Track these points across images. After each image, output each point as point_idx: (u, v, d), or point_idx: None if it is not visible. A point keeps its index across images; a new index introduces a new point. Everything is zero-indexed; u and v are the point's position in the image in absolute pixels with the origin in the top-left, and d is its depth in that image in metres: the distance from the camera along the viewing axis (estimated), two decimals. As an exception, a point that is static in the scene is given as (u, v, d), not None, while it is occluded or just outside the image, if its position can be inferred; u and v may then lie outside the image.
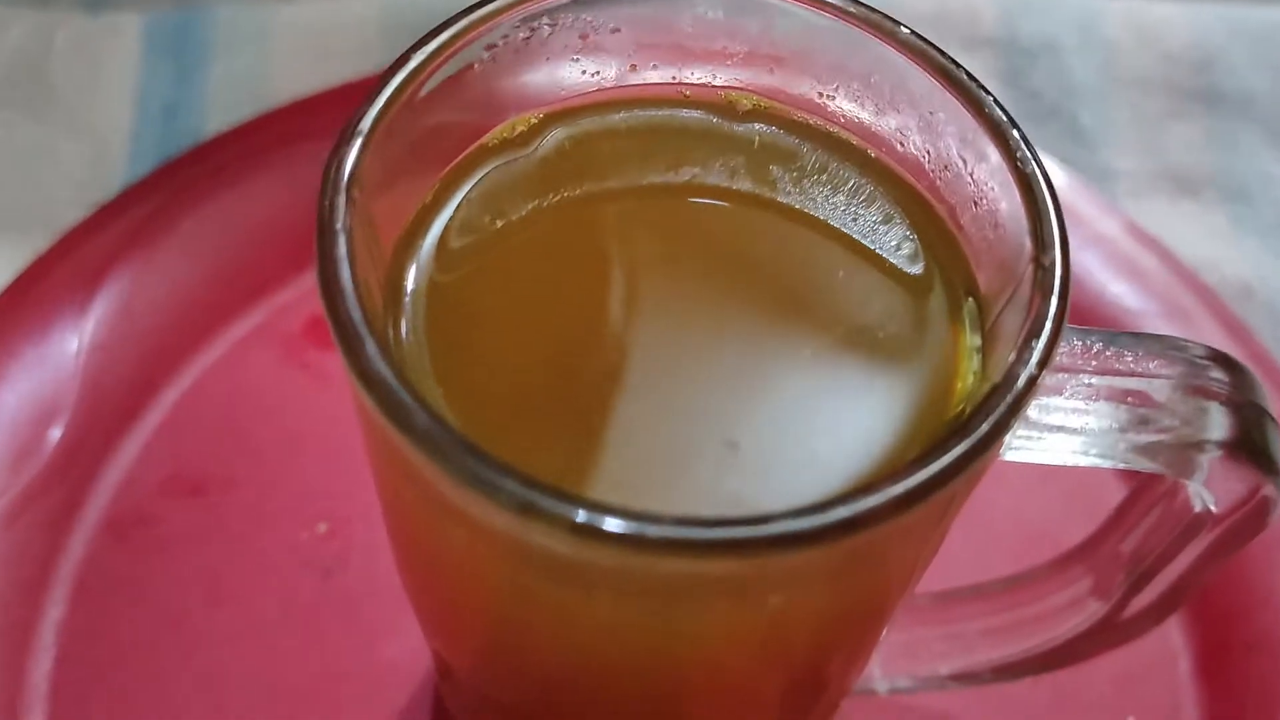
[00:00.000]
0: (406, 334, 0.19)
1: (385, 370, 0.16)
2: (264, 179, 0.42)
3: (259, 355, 0.39)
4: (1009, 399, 0.17)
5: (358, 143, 0.18)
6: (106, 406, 0.37)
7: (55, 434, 0.36)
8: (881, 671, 0.31)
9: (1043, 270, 0.18)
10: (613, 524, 0.15)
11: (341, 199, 0.18)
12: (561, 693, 0.23)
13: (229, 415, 0.38)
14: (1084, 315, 0.41)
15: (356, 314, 0.17)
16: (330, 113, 0.43)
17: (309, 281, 0.41)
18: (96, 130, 0.44)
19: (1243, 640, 0.35)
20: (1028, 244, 0.19)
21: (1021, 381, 0.17)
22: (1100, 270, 0.42)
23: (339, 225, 0.17)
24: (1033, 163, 0.19)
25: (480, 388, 0.19)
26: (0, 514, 0.35)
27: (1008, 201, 0.19)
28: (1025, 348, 0.17)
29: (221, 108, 0.45)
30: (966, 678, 0.31)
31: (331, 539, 0.36)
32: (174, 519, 0.36)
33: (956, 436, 0.16)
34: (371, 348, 0.16)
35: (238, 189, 0.42)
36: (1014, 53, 0.47)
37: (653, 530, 0.15)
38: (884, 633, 0.25)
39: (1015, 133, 0.19)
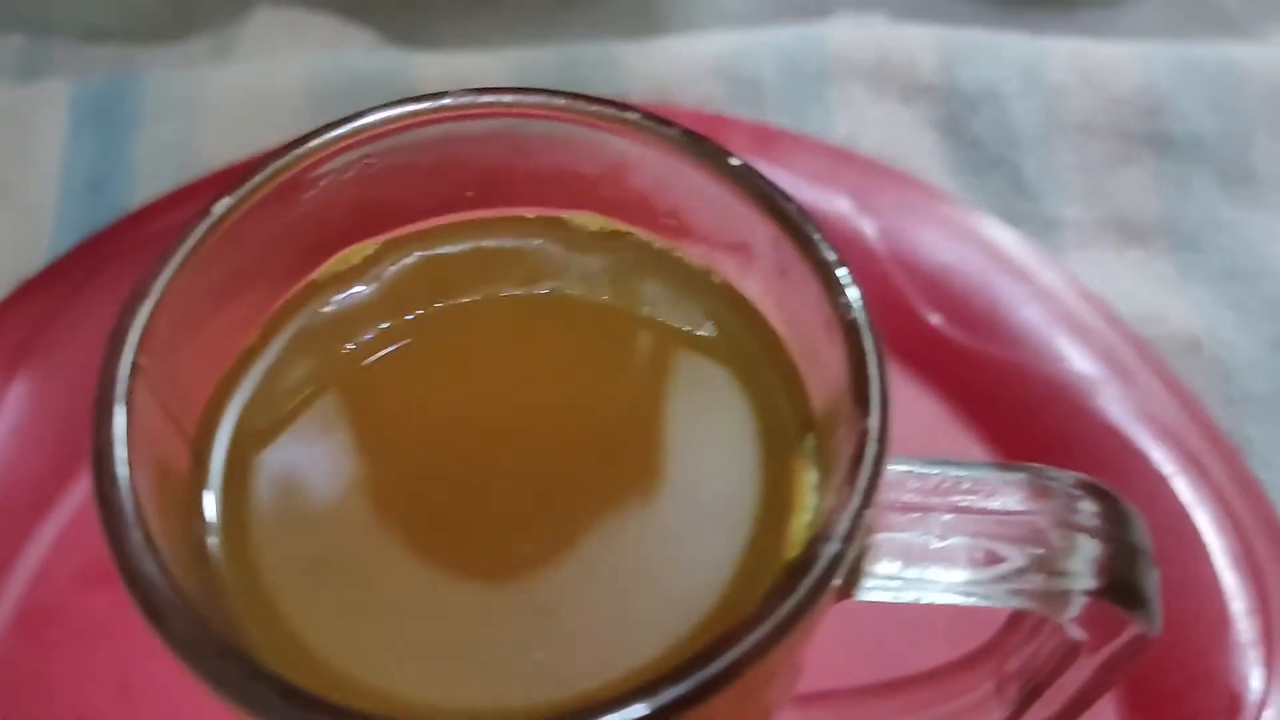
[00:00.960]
0: (214, 496, 0.19)
1: (151, 566, 0.15)
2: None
3: (178, 437, 0.39)
4: (805, 584, 0.16)
5: (139, 326, 0.17)
6: (20, 494, 0.37)
7: (-34, 524, 0.36)
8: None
9: (858, 432, 0.17)
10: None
11: (124, 370, 0.17)
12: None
13: (146, 500, 0.38)
14: (1024, 377, 0.40)
15: (126, 497, 0.16)
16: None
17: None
18: (23, 206, 0.44)
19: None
20: (848, 399, 0.18)
21: (822, 561, 0.16)
22: (1041, 329, 0.41)
23: (118, 399, 0.17)
24: (855, 310, 0.18)
25: (279, 555, 0.18)
26: (-97, 611, 0.34)
27: (833, 346, 0.18)
28: (832, 519, 0.16)
29: (149, 177, 0.44)
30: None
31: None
32: (87, 611, 0.35)
33: (772, 602, 0.15)
34: (139, 539, 0.15)
35: (161, 263, 0.41)
36: (954, 100, 0.46)
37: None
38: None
39: (842, 273, 0.19)
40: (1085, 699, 0.24)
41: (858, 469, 0.17)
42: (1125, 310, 0.42)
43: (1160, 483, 0.37)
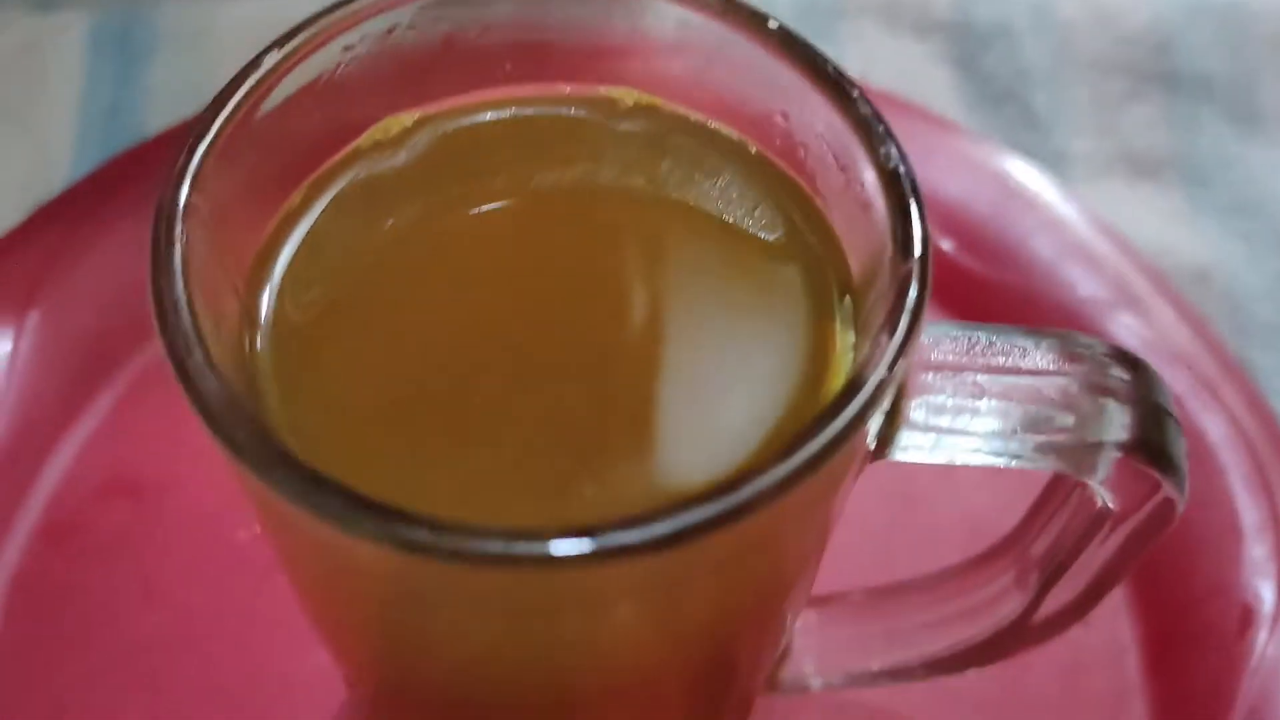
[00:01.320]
0: (261, 342, 0.19)
1: (212, 383, 0.16)
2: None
3: (197, 357, 0.39)
4: (859, 400, 0.16)
5: (204, 147, 0.18)
6: (44, 409, 0.37)
7: (-10, 438, 0.36)
8: (815, 668, 0.31)
9: (900, 268, 0.17)
10: (425, 536, 0.15)
11: (181, 203, 0.17)
12: (461, 708, 0.23)
13: (167, 417, 0.38)
14: (1036, 302, 0.41)
15: (187, 321, 0.16)
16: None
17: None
18: (41, 132, 0.44)
19: (1191, 633, 0.35)
20: (889, 244, 0.18)
21: (872, 382, 0.16)
22: (1053, 257, 0.42)
23: (177, 229, 0.17)
24: (896, 159, 0.19)
25: (334, 397, 0.18)
26: (-69, 521, 0.35)
27: (875, 198, 0.19)
28: (878, 345, 0.17)
29: (164, 108, 0.45)
30: (899, 673, 0.30)
31: (268, 540, 0.36)
32: (110, 523, 0.36)
33: (798, 443, 0.16)
34: (199, 358, 0.16)
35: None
36: (968, 37, 0.46)
37: (498, 547, 0.15)
38: (791, 624, 0.25)
39: (880, 127, 0.19)
40: (1108, 577, 0.24)
41: (899, 310, 0.17)
42: (1135, 241, 0.42)
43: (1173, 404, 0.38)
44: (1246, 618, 0.34)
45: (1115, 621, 0.36)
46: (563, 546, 0.15)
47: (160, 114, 0.44)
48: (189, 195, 0.17)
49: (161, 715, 0.33)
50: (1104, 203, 0.44)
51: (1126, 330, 0.40)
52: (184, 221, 0.17)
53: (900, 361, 0.17)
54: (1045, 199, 0.43)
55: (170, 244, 0.17)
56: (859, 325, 0.20)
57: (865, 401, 0.16)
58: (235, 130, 0.18)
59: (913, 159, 0.20)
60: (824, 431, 0.16)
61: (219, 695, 0.33)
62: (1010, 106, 0.46)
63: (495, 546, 0.14)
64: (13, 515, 0.36)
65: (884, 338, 0.17)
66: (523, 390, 0.19)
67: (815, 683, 0.31)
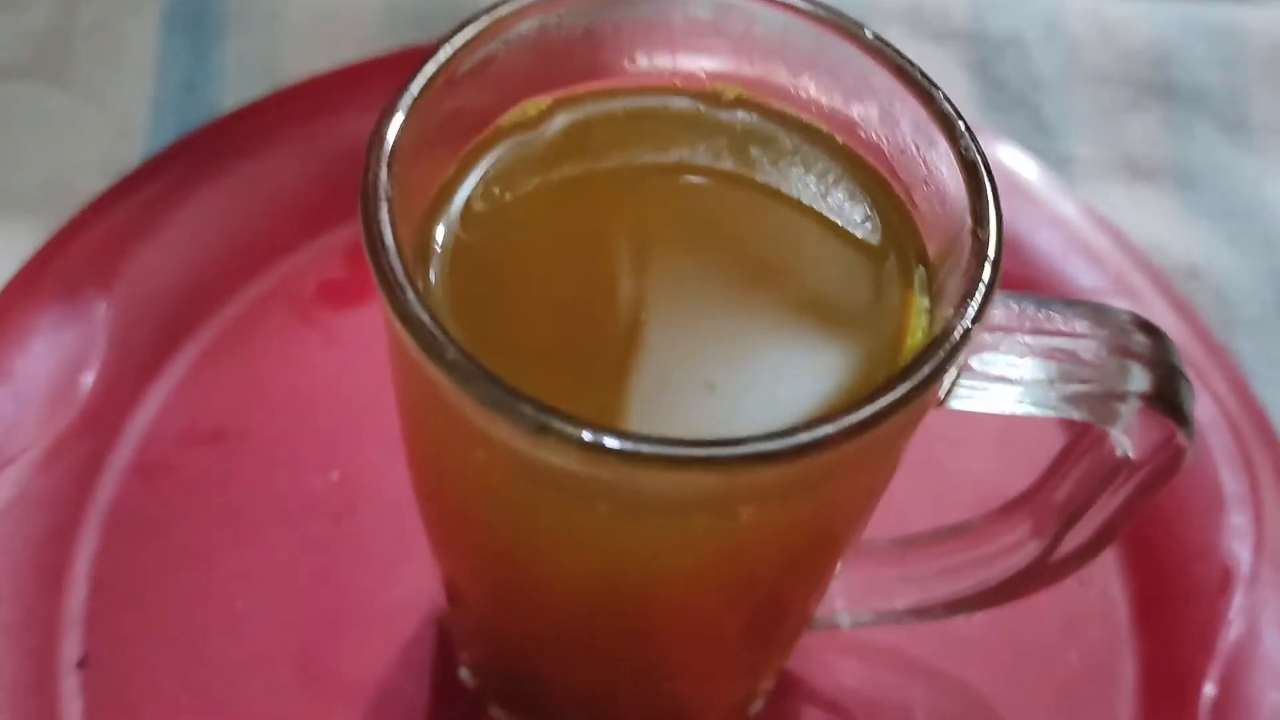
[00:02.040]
0: (435, 285, 0.22)
1: (422, 313, 0.19)
2: (277, 152, 0.45)
3: (273, 314, 0.42)
4: (945, 349, 0.20)
5: (398, 120, 0.21)
6: (133, 360, 0.40)
7: (86, 385, 0.39)
8: (846, 606, 0.35)
9: (978, 241, 0.21)
10: (613, 443, 0.18)
11: (384, 170, 0.20)
12: (560, 610, 0.26)
13: (246, 370, 0.41)
14: (1041, 289, 0.44)
15: (398, 267, 0.19)
16: (338, 91, 0.46)
17: (320, 247, 0.44)
18: (119, 103, 0.47)
19: (1177, 591, 0.39)
20: (968, 219, 0.22)
21: (957, 334, 0.20)
22: (1058, 249, 0.45)
23: (382, 192, 0.20)
24: (974, 150, 0.22)
25: (496, 334, 0.22)
26: (36, 459, 0.38)
27: (953, 182, 0.22)
28: (961, 306, 0.20)
29: (236, 84, 0.47)
30: (921, 613, 0.34)
31: (342, 486, 0.39)
32: (195, 464, 0.39)
33: (899, 378, 0.19)
34: (411, 296, 0.19)
35: (253, 160, 0.44)
36: (983, 46, 0.50)
37: (646, 448, 0.18)
38: (840, 568, 0.28)
39: (961, 123, 0.23)
40: (1120, 521, 0.28)
41: (978, 278, 0.21)
42: (1133, 239, 0.46)
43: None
44: (1226, 578, 0.38)
45: (1109, 579, 0.39)
46: (715, 450, 0.18)
47: (233, 91, 0.47)
48: (390, 159, 0.21)
49: (247, 642, 0.36)
50: (1104, 203, 0.48)
51: (1124, 319, 0.44)
52: (389, 183, 0.20)
53: (980, 320, 0.20)
54: (1051, 197, 0.46)
55: (379, 202, 0.20)
56: (933, 293, 0.23)
57: (950, 350, 0.20)
58: (416, 112, 0.21)
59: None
60: (919, 373, 0.20)
61: (296, 623, 0.36)
62: (1020, 111, 0.49)
63: (671, 450, 0.18)
64: (107, 455, 0.39)
65: (967, 298, 0.20)
66: (646, 327, 0.22)
67: (845, 620, 0.35)
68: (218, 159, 0.44)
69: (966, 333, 0.20)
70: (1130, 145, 0.49)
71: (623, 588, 0.24)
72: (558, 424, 0.18)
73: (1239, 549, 0.39)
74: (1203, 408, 0.41)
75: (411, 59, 0.48)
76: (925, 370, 0.20)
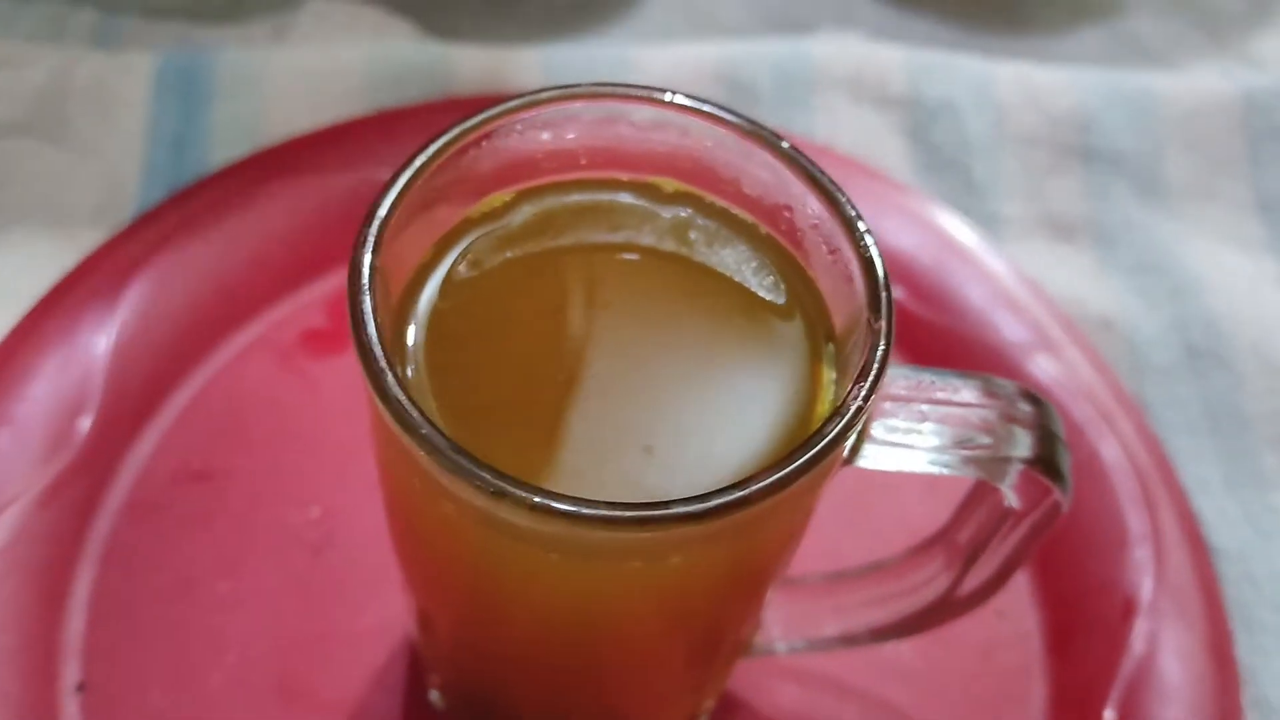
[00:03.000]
0: (411, 362, 0.26)
1: (400, 395, 0.22)
2: (263, 207, 0.48)
3: (258, 361, 0.45)
4: (841, 423, 0.24)
5: (377, 224, 0.25)
6: (127, 405, 0.43)
7: (84, 426, 0.42)
8: (781, 635, 0.38)
9: (873, 330, 0.25)
10: (559, 506, 0.22)
11: (367, 268, 0.24)
12: (518, 638, 0.30)
13: (232, 413, 0.44)
14: (967, 342, 0.48)
15: (379, 354, 0.23)
16: (320, 150, 0.50)
17: (303, 298, 0.47)
18: (112, 158, 0.50)
19: (1083, 621, 0.42)
20: (865, 309, 0.25)
21: (850, 410, 0.24)
22: (983, 304, 0.49)
23: (366, 286, 0.24)
24: (872, 249, 0.26)
25: (464, 402, 0.25)
26: (36, 497, 0.41)
27: (855, 274, 0.26)
28: (856, 385, 0.24)
29: (223, 142, 0.51)
30: (849, 640, 0.37)
31: (322, 521, 0.42)
32: (184, 502, 0.42)
33: (802, 449, 0.23)
34: (391, 380, 0.23)
35: (240, 215, 0.48)
36: (918, 111, 0.54)
37: (587, 510, 0.22)
38: (771, 596, 0.32)
39: (860, 225, 0.26)
40: (1013, 563, 0.32)
41: (871, 359, 0.24)
42: (1052, 293, 0.50)
43: (1076, 431, 0.45)
44: (1129, 608, 0.42)
45: (1023, 611, 0.43)
46: (645, 512, 0.22)
47: (221, 149, 0.51)
48: (372, 259, 0.24)
49: (233, 666, 0.39)
50: (1028, 259, 0.52)
51: (1041, 368, 0.48)
52: (370, 279, 0.24)
53: (873, 396, 0.24)
54: (979, 254, 0.50)
55: (363, 295, 0.23)
56: (839, 365, 0.27)
57: (847, 421, 0.24)
58: (397, 209, 0.25)
59: (870, 216, 0.28)
60: (820, 442, 0.23)
61: (278, 648, 0.39)
62: (952, 173, 0.54)
63: (607, 512, 0.22)
64: (102, 493, 0.42)
65: (861, 378, 0.24)
66: (592, 396, 0.26)
67: (781, 647, 0.38)
68: (207, 214, 0.47)
69: (860, 409, 0.24)
70: (1052, 204, 0.53)
71: (573, 620, 0.27)
72: (511, 490, 0.22)
73: (1141, 581, 0.43)
74: (1110, 450, 0.45)
75: (389, 121, 0.52)
76: (824, 441, 0.23)
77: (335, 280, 0.48)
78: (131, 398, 0.44)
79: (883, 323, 0.25)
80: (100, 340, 0.44)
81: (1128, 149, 0.55)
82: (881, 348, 0.24)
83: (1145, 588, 0.43)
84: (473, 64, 0.53)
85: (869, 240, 0.26)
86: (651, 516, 0.22)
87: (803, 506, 0.27)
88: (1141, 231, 0.53)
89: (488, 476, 0.22)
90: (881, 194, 0.51)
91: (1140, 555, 0.43)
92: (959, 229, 0.51)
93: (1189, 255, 0.52)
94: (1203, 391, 0.49)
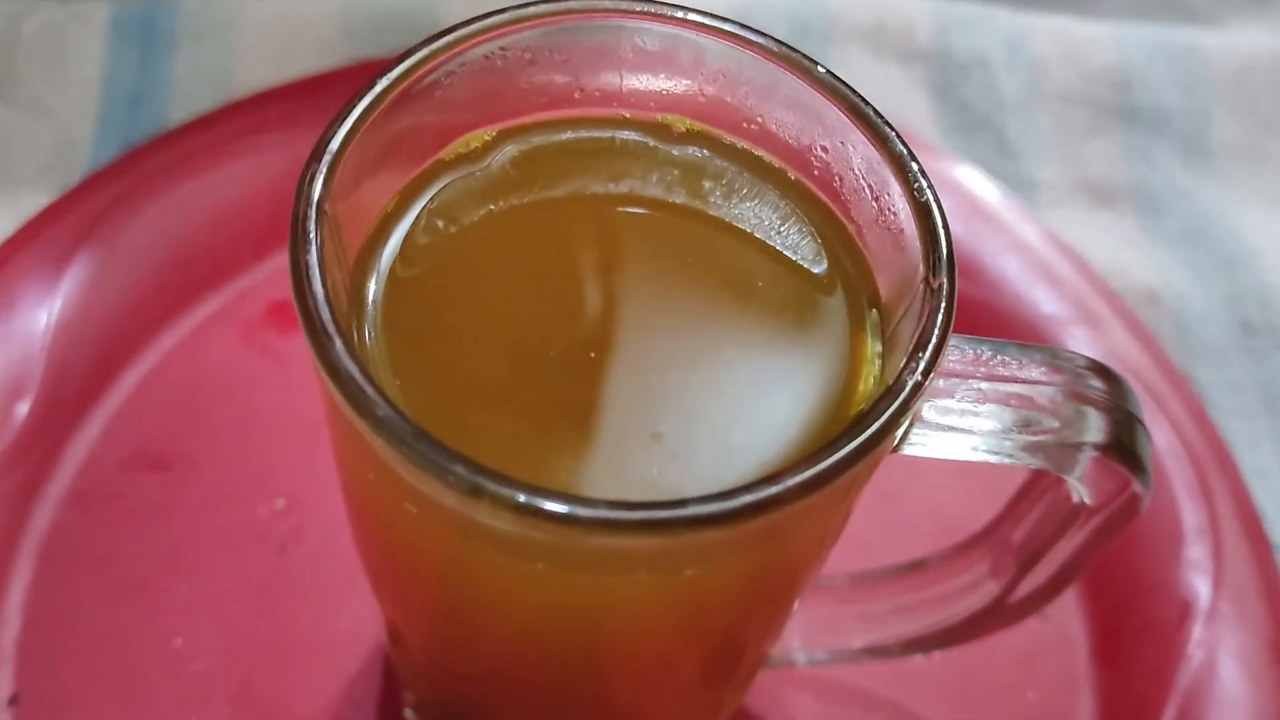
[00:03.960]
0: (369, 329, 0.21)
1: (351, 367, 0.18)
2: (226, 168, 0.43)
3: (220, 337, 0.41)
4: (896, 403, 0.19)
5: (327, 160, 0.20)
6: (72, 384, 0.39)
7: (21, 411, 0.38)
8: (801, 645, 0.34)
9: (932, 291, 0.20)
10: (550, 506, 0.17)
11: (313, 212, 0.20)
12: (503, 659, 0.25)
13: (190, 394, 0.40)
14: (1002, 317, 0.44)
15: (327, 316, 0.19)
16: (291, 106, 0.45)
17: (269, 268, 0.43)
18: (62, 116, 0.46)
19: (1135, 626, 0.38)
20: (921, 266, 0.21)
21: (908, 388, 0.19)
22: (1019, 275, 0.45)
23: (311, 236, 0.19)
24: (928, 193, 0.22)
25: (433, 379, 0.21)
26: (-33, 487, 0.36)
27: (906, 225, 0.22)
28: (913, 358, 0.20)
29: (185, 97, 0.46)
30: (877, 651, 0.33)
31: (288, 514, 0.38)
32: (136, 493, 0.38)
33: (848, 434, 0.19)
34: (339, 347, 0.18)
35: (201, 177, 0.43)
36: (947, 67, 0.50)
37: (584, 511, 0.17)
38: (797, 606, 0.28)
39: (914, 165, 0.22)
40: (1078, 565, 0.27)
41: (931, 326, 0.20)
42: (1093, 264, 0.46)
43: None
44: (1184, 612, 0.38)
45: (1067, 614, 0.39)
46: (656, 513, 0.17)
47: (182, 104, 0.46)
48: (320, 200, 0.20)
49: (187, 678, 0.35)
50: (1065, 227, 0.47)
51: (1083, 345, 0.43)
52: (317, 225, 0.19)
53: (933, 371, 0.20)
54: (1013, 221, 0.46)
55: (308, 246, 0.19)
56: (886, 336, 0.23)
57: (903, 402, 0.19)
58: (352, 144, 0.21)
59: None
60: (870, 427, 0.19)
61: (239, 658, 0.35)
62: (983, 134, 0.49)
63: (610, 514, 0.17)
64: (43, 483, 0.37)
65: (919, 349, 0.20)
66: (589, 373, 0.22)
67: (801, 658, 0.34)
68: (164, 174, 0.43)
69: (918, 386, 0.19)
70: (1091, 169, 0.49)
71: (564, 641, 0.23)
72: (491, 486, 0.17)
73: (1197, 582, 0.39)
74: (1161, 437, 0.41)
75: (366, 73, 0.47)
76: (875, 425, 0.19)
77: (306, 248, 0.43)
78: (76, 377, 0.39)
79: (944, 280, 0.20)
80: (41, 314, 0.39)
81: (1172, 108, 0.50)
82: (943, 311, 0.20)
83: (1202, 589, 0.39)
84: (460, 10, 0.48)
85: (924, 182, 0.22)
86: (663, 519, 0.18)
87: (843, 505, 0.22)
88: (1188, 197, 0.49)
89: (461, 470, 0.17)
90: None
91: (1196, 553, 0.39)
92: (991, 194, 0.46)
93: (1240, 223, 0.48)
94: (1259, 373, 0.44)
